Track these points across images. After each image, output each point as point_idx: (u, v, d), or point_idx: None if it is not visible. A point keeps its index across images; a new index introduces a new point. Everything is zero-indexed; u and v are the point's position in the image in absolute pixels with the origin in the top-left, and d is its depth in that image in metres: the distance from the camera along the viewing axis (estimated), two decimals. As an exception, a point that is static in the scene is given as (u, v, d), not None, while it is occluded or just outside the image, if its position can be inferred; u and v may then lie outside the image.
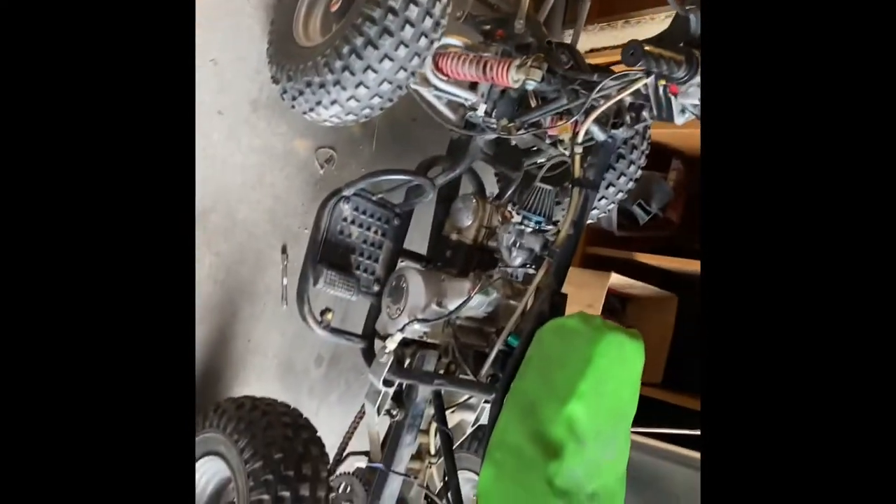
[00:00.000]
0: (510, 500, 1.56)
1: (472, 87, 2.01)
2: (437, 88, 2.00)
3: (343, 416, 2.54)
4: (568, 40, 2.60)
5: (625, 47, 1.44)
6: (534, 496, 1.52)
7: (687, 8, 1.46)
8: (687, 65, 1.42)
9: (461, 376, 1.87)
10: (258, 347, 2.25)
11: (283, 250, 2.28)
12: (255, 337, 2.24)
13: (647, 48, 1.40)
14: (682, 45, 1.48)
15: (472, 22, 2.23)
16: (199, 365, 2.09)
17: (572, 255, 1.87)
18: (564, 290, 1.80)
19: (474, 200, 2.05)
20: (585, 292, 3.08)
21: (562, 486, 1.52)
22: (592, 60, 3.12)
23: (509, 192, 2.18)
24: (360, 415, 2.13)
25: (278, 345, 2.32)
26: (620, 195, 2.37)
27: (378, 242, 2.06)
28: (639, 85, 1.63)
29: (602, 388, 1.58)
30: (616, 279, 3.11)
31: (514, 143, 2.20)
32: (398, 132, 2.56)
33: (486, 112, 1.95)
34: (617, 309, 3.48)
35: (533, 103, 1.95)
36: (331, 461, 1.97)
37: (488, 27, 2.19)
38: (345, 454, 2.14)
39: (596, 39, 3.09)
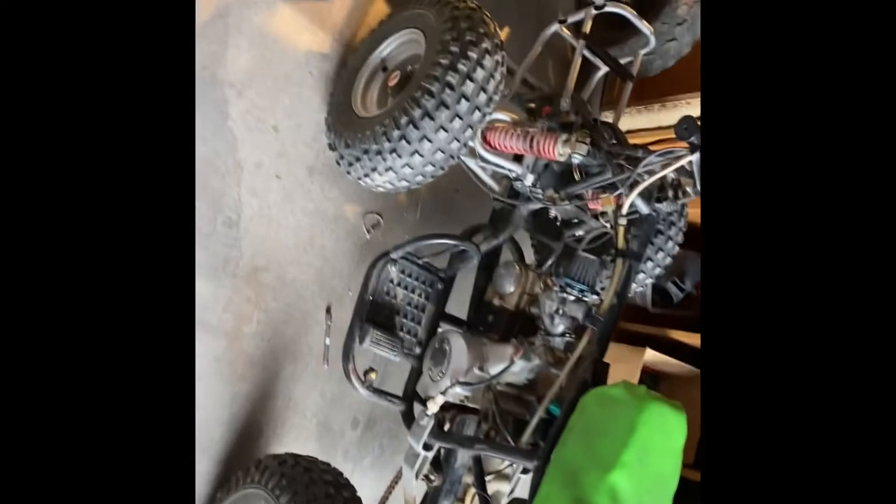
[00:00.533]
0: None
1: (517, 159, 2.09)
2: (483, 160, 2.08)
3: (376, 481, 2.53)
4: (609, 119, 2.71)
5: (679, 121, 1.51)
6: None
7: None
8: None
9: (501, 443, 1.86)
10: (298, 406, 2.28)
11: (328, 311, 2.33)
12: (296, 396, 2.27)
13: (699, 123, 1.47)
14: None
15: (519, 100, 2.34)
16: (240, 420, 2.12)
17: (615, 324, 1.90)
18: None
19: (517, 267, 2.10)
20: (621, 367, 3.07)
21: None
22: (629, 140, 3.23)
23: (550, 262, 2.23)
24: (397, 478, 2.12)
25: (317, 405, 2.34)
26: (658, 270, 2.41)
27: (421, 305, 2.11)
28: (683, 161, 1.70)
29: (645, 459, 1.57)
30: (651, 355, 3.10)
31: (553, 214, 2.26)
32: (442, 201, 2.65)
33: (532, 183, 2.02)
34: (650, 387, 3.45)
35: (577, 176, 2.02)
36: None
37: (534, 105, 2.30)
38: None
39: (632, 121, 3.20)
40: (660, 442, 1.59)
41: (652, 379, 3.45)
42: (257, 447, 2.17)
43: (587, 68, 2.42)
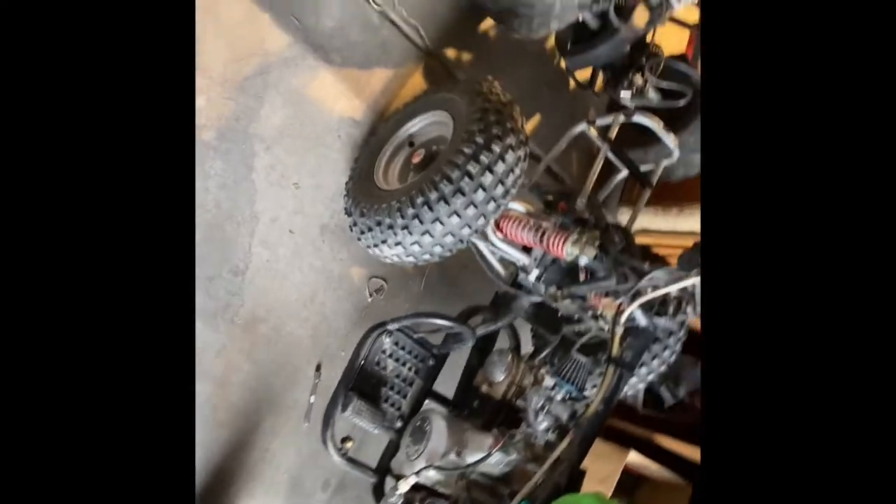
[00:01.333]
0: None
1: (526, 250, 2.12)
2: (494, 245, 2.12)
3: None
4: (624, 218, 2.74)
5: (681, 255, 1.53)
6: None
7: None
8: None
9: (466, 534, 1.84)
10: (273, 460, 2.27)
11: (318, 368, 2.34)
12: (273, 448, 2.26)
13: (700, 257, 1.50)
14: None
15: (538, 191, 2.38)
16: (214, 466, 2.11)
17: (598, 431, 1.89)
18: (582, 459, 1.80)
19: (510, 357, 2.11)
20: (602, 464, 3.03)
21: None
22: (642, 239, 3.26)
23: (544, 354, 2.23)
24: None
25: (292, 461, 2.33)
26: (651, 376, 2.40)
27: (410, 379, 2.11)
28: (687, 283, 1.72)
29: None
30: (634, 457, 3.06)
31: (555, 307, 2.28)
32: (448, 275, 2.68)
33: (536, 278, 2.04)
34: (630, 488, 3.39)
35: (581, 276, 2.04)
36: None
37: (551, 198, 2.34)
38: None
39: (648, 221, 3.23)
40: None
41: (633, 481, 3.39)
42: (227, 496, 2.15)
43: (609, 166, 2.47)
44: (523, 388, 2.08)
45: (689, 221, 3.15)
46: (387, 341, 2.05)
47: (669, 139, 2.38)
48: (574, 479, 1.81)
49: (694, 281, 1.71)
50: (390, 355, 2.07)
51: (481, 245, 2.17)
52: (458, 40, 2.59)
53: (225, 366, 2.09)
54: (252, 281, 2.12)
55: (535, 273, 2.04)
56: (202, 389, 2.04)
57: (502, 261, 2.24)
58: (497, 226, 2.12)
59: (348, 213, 2.12)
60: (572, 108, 3.10)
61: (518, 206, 2.14)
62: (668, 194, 3.16)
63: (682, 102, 2.50)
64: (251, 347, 2.15)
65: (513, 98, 2.02)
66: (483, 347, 2.22)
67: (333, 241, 2.32)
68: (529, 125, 2.96)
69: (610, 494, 2.96)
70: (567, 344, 2.20)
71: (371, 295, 2.45)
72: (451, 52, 2.58)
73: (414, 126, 2.22)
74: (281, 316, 2.21)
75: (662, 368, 2.38)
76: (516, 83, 2.83)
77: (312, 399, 2.32)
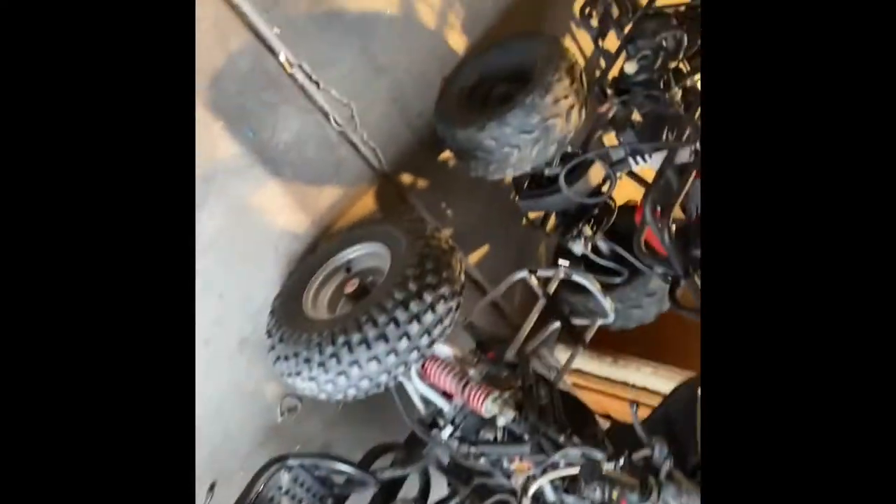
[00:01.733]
0: None
1: (447, 395, 2.06)
2: (415, 387, 2.05)
3: None
4: (562, 356, 2.72)
5: (583, 465, 1.49)
6: None
7: (653, 439, 1.52)
8: (640, 493, 1.47)
9: None
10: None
11: (211, 487, 2.18)
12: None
13: (605, 472, 1.46)
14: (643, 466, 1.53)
15: (472, 330, 2.35)
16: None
17: None
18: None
19: (405, 512, 2.01)
20: None
21: None
22: (576, 380, 3.23)
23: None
24: None
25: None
26: None
27: (307, 519, 1.99)
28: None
29: None
30: None
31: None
32: (370, 399, 2.58)
33: (449, 435, 1.98)
34: None
35: (498, 434, 1.99)
36: None
37: (483, 342, 2.30)
38: None
39: (582, 363, 3.21)
40: None
41: None
42: None
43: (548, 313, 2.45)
44: (419, 546, 1.98)
45: (622, 372, 3.14)
46: (286, 477, 1.94)
47: (606, 303, 2.38)
48: None
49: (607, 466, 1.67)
50: (286, 492, 1.94)
51: (404, 381, 2.10)
52: (416, 167, 2.59)
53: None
54: (155, 390, 2.00)
55: (448, 430, 1.97)
56: None
57: (424, 399, 2.17)
58: (423, 366, 2.06)
59: (269, 335, 2.04)
60: (524, 244, 3.12)
61: (447, 350, 2.09)
62: (605, 341, 3.16)
63: (617, 280, 2.56)
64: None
65: (454, 247, 2.01)
66: (387, 495, 2.11)
67: (252, 355, 2.22)
68: (477, 254, 2.95)
69: None
70: (478, 496, 2.12)
71: (282, 414, 2.34)
72: (407, 178, 2.58)
73: (353, 252, 2.18)
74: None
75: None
76: (470, 212, 2.84)
77: (204, 521, 2.16)
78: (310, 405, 2.41)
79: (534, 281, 2.40)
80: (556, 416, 2.13)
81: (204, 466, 2.17)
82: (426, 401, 2.17)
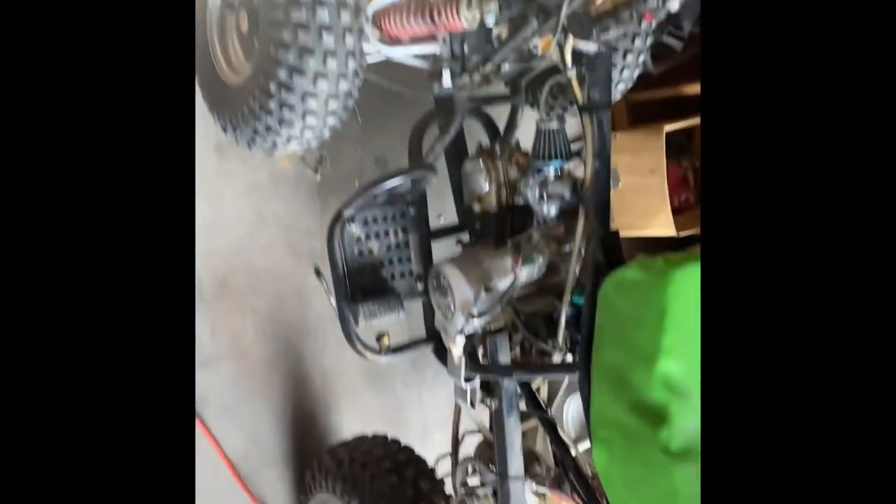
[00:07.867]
0: (632, 481, 1.48)
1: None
2: (390, 57, 1.73)
3: (447, 386, 2.50)
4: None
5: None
6: (654, 469, 1.42)
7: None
8: None
9: (539, 361, 1.75)
10: (336, 373, 2.21)
11: (318, 273, 2.14)
12: (328, 365, 2.19)
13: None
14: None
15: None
16: (292, 419, 2.08)
17: (607, 188, 1.64)
18: (619, 160, 1.60)
19: (481, 161, 1.81)
20: (644, 157, 2.79)
21: (679, 447, 1.40)
22: None
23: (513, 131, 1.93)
24: (458, 411, 2.07)
25: (354, 359, 2.25)
26: (626, 85, 2.09)
27: (403, 241, 1.89)
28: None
29: (687, 332, 1.41)
30: (671, 129, 2.79)
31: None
32: (379, 94, 2.29)
33: (452, 73, 1.68)
34: (684, 146, 3.15)
35: (496, 44, 1.67)
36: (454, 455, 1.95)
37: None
38: (461, 438, 2.11)
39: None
40: (696, 306, 1.43)
41: (686, 137, 3.10)
42: (320, 431, 2.15)
43: None
44: (514, 184, 1.82)
45: None
46: (354, 227, 1.80)
47: None
48: (610, 249, 1.62)
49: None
50: (367, 237, 1.83)
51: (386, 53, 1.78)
52: None
53: (228, 339, 1.95)
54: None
55: (447, 74, 1.67)
56: (223, 373, 1.93)
57: (418, 57, 1.85)
58: (381, 29, 1.72)
59: (224, 130, 1.76)
60: None
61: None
62: None
63: None
64: (240, 302, 1.98)
65: None
66: (456, 153, 1.92)
67: (239, 154, 1.98)
68: None
69: (665, 182, 2.76)
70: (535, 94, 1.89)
71: (316, 171, 2.15)
72: None
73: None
74: (243, 258, 1.99)
75: (641, 57, 2.02)
76: None
77: (333, 301, 2.17)
78: (332, 143, 2.19)
79: None
80: None
81: (295, 265, 2.11)
82: (425, 57, 1.85)
